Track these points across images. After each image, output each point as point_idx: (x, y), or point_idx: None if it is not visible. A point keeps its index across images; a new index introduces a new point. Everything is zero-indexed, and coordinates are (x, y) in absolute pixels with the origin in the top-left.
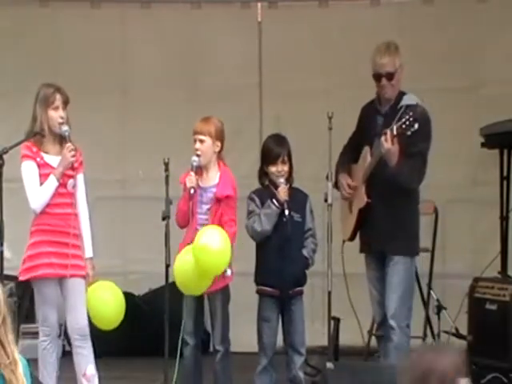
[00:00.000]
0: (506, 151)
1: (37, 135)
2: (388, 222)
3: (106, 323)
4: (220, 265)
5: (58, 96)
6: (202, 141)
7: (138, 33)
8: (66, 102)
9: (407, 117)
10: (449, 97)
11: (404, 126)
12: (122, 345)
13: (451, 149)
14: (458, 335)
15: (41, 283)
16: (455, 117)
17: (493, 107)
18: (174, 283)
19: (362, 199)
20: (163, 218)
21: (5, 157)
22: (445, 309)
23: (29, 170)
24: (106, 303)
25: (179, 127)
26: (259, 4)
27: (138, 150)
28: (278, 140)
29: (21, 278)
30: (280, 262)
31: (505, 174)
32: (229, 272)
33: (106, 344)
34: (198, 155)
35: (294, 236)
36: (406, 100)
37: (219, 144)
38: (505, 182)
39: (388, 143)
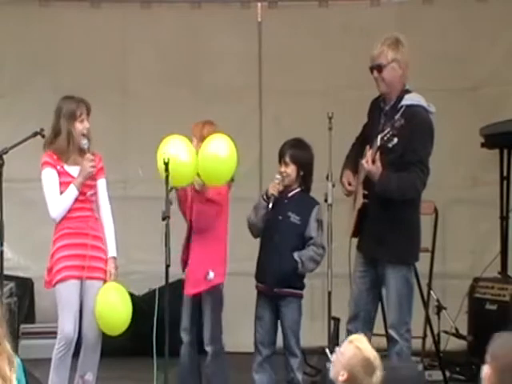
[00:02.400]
0: (506, 151)
1: (37, 135)
2: (382, 227)
3: (112, 330)
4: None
5: (83, 108)
6: None
7: (137, 33)
8: (89, 111)
9: (388, 129)
10: (449, 97)
11: (385, 139)
12: (122, 345)
13: (451, 149)
14: (457, 335)
15: (61, 286)
16: (455, 117)
17: (493, 107)
18: (173, 283)
19: (360, 200)
20: (163, 218)
21: (5, 157)
22: (445, 309)
23: (49, 178)
24: (114, 311)
25: (179, 127)
26: (259, 4)
27: (138, 149)
28: (290, 142)
29: (48, 287)
30: (267, 259)
31: (505, 173)
32: (211, 275)
33: (106, 344)
34: None
35: (285, 237)
36: (407, 100)
37: None
38: (505, 182)
39: (368, 164)
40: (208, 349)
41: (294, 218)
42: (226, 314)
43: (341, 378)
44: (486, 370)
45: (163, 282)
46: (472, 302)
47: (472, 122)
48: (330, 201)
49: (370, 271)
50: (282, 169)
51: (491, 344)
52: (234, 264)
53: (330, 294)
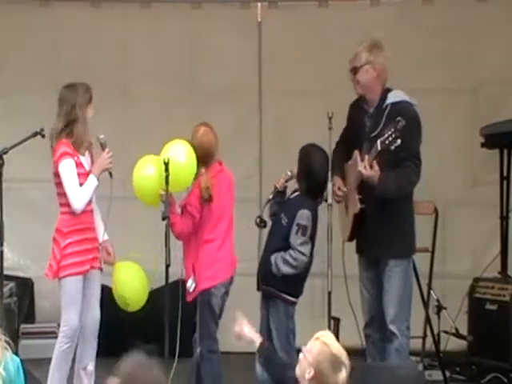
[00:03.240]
0: (506, 151)
1: (37, 135)
2: (381, 226)
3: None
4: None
5: (91, 95)
6: None
7: (138, 33)
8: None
9: (390, 132)
10: (449, 97)
11: (387, 142)
12: (122, 344)
13: (451, 149)
14: (457, 335)
15: (70, 281)
16: (455, 117)
17: (493, 107)
18: (173, 283)
19: (355, 205)
20: (163, 218)
21: (5, 157)
22: (445, 309)
23: (70, 169)
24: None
25: (179, 127)
26: (259, 4)
27: (138, 149)
28: (307, 145)
29: (53, 277)
30: (261, 258)
31: (505, 173)
32: (189, 284)
33: (105, 344)
34: None
35: (272, 238)
36: (390, 98)
37: None
38: (505, 182)
39: (366, 171)
40: (197, 350)
41: (283, 220)
42: (227, 314)
43: (307, 376)
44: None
45: (163, 282)
46: (472, 302)
47: (472, 122)
48: (329, 201)
49: (374, 272)
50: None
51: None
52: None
53: (329, 294)
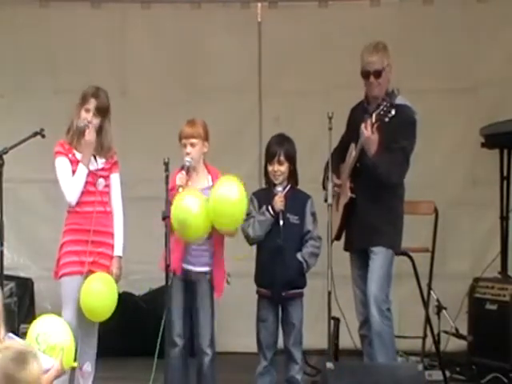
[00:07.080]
0: (506, 151)
1: (37, 135)
2: (371, 216)
3: (98, 315)
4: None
5: (92, 100)
6: (193, 144)
7: (137, 33)
8: (98, 109)
9: (384, 103)
10: (449, 97)
11: (382, 113)
12: (122, 345)
13: (451, 149)
14: (458, 335)
15: (66, 280)
16: (455, 117)
17: (493, 107)
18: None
19: (346, 195)
20: (163, 218)
21: (5, 157)
22: (445, 309)
23: (62, 166)
24: (98, 295)
25: (179, 127)
26: (259, 4)
27: (138, 150)
28: (278, 140)
29: (55, 278)
30: (272, 265)
31: (505, 173)
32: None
33: (106, 344)
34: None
35: (288, 240)
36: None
37: (207, 145)
38: (505, 182)
39: (367, 131)
40: (208, 351)
41: (293, 219)
42: (227, 314)
43: None
44: None
45: (163, 282)
46: (472, 302)
47: (472, 122)
48: (329, 201)
49: (366, 270)
50: (276, 168)
51: None
52: (234, 265)
53: (329, 294)
